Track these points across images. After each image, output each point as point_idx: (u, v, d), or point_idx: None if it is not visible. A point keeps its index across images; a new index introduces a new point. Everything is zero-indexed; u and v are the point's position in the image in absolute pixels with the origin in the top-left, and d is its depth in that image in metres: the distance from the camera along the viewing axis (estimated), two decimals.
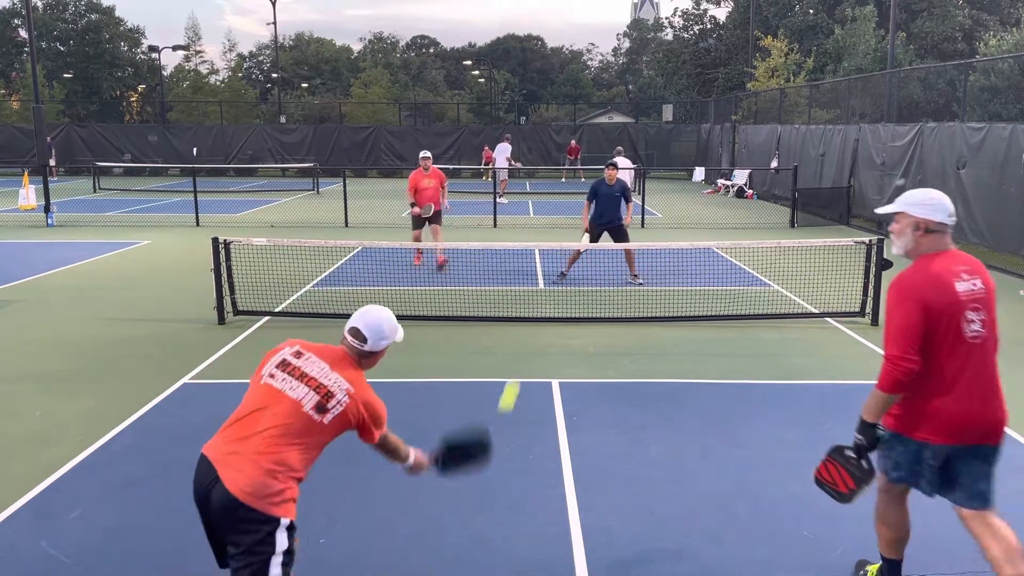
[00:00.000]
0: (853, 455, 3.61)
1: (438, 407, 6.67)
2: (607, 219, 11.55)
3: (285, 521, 3.07)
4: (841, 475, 3.63)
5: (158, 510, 4.87)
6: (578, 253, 11.85)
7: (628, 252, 11.64)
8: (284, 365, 3.32)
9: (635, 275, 11.68)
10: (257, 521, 3.02)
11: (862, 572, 4.11)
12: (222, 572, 3.25)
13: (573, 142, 33.99)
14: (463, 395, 6.99)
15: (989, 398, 3.54)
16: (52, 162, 31.19)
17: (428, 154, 13.10)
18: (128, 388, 7.10)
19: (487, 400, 6.79)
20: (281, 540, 3.05)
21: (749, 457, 5.63)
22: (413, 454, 3.71)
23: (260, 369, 3.38)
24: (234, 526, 3.04)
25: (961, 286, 3.50)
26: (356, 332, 3.45)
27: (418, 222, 12.78)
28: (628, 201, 11.67)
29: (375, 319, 3.48)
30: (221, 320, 9.31)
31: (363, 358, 3.51)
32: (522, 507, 4.91)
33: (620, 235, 11.46)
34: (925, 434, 3.53)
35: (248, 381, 3.47)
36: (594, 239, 11.71)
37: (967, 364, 3.50)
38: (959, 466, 3.58)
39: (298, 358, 3.34)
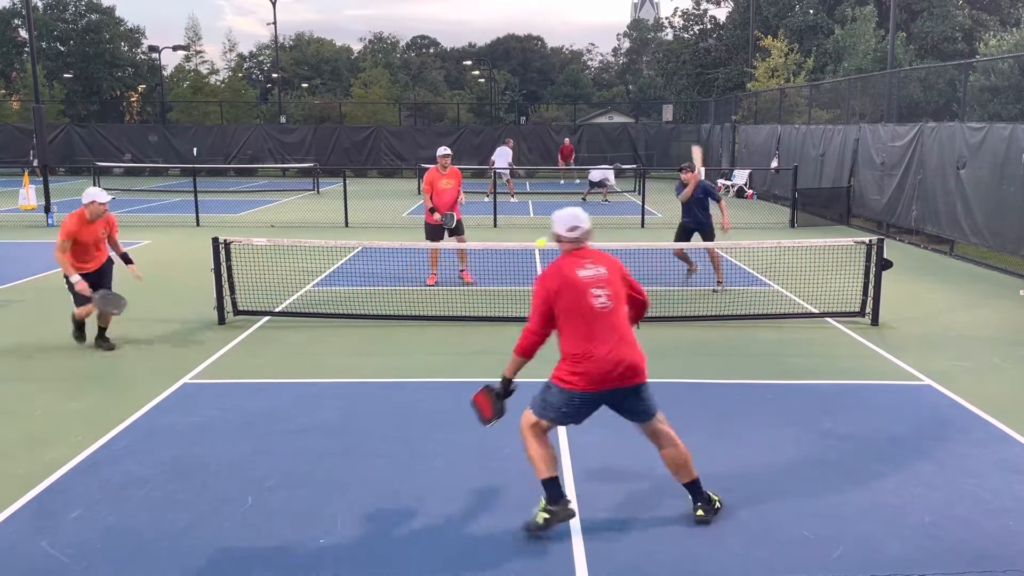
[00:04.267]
0: (495, 396, 4.81)
1: (438, 407, 6.66)
2: (694, 221, 11.11)
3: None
4: (486, 406, 4.81)
5: (158, 510, 4.87)
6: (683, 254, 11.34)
7: (711, 253, 11.18)
8: None
9: (719, 281, 11.19)
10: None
11: (538, 515, 4.66)
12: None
13: (567, 141, 32.91)
14: (463, 395, 6.96)
15: (621, 348, 4.55)
16: (35, 162, 30.94)
17: (447, 151, 11.50)
18: (128, 388, 7.10)
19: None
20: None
21: (749, 457, 5.63)
22: (76, 277, 8.00)
23: None
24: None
25: (583, 273, 4.60)
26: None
27: (435, 233, 11.25)
28: (717, 200, 10.97)
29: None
30: (221, 320, 9.31)
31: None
32: (522, 507, 4.90)
33: (707, 236, 11.10)
34: (578, 385, 4.51)
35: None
36: (686, 239, 11.25)
37: (599, 327, 4.53)
38: (623, 402, 4.65)
39: None
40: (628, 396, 4.63)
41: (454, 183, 11.33)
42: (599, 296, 4.58)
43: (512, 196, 24.77)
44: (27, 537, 4.55)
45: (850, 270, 10.28)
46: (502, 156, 25.75)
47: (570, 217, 4.75)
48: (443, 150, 11.58)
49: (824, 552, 4.41)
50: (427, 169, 11.67)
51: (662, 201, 23.38)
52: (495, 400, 4.78)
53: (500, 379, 4.80)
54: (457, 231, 11.36)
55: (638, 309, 5.01)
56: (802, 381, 7.36)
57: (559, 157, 31.96)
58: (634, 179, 27.77)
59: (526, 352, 4.64)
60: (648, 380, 4.65)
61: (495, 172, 23.72)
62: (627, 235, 16.06)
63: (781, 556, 4.37)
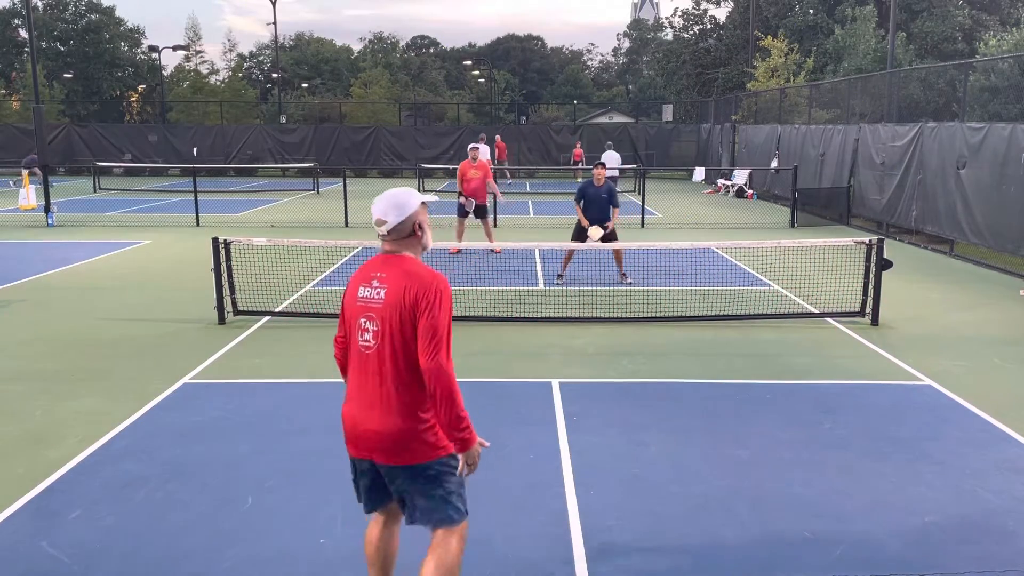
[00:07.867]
0: None
1: None
2: (594, 221, 11.52)
3: None
4: None
5: (158, 510, 4.87)
6: (571, 253, 11.87)
7: (617, 252, 11.69)
8: None
9: (624, 275, 11.73)
10: None
11: None
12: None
13: (498, 138, 31.65)
14: (463, 395, 6.96)
15: (369, 412, 3.29)
16: None
17: (476, 144, 14.13)
18: (128, 388, 7.10)
19: (487, 400, 6.79)
20: None
21: (749, 457, 5.63)
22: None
23: None
24: None
25: (363, 292, 3.34)
26: None
27: (463, 212, 13.74)
28: (615, 206, 11.50)
29: None
30: (221, 320, 9.31)
31: None
32: (522, 507, 4.90)
33: (607, 237, 11.45)
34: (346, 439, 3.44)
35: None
36: (580, 239, 11.71)
37: (359, 372, 3.37)
38: (393, 482, 3.37)
39: None
40: (397, 474, 3.34)
41: (481, 175, 13.86)
42: (366, 331, 3.31)
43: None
44: (27, 537, 4.55)
45: (850, 270, 10.28)
46: (484, 154, 25.67)
47: (380, 202, 3.35)
48: (472, 144, 14.30)
49: (824, 552, 4.41)
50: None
51: (662, 201, 23.40)
52: None
53: None
54: (481, 215, 13.86)
55: (425, 379, 3.24)
56: (802, 381, 7.36)
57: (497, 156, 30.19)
58: (634, 179, 27.75)
59: (341, 369, 3.60)
60: (422, 465, 3.31)
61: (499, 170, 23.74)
62: (627, 235, 16.05)
63: (781, 556, 4.37)
